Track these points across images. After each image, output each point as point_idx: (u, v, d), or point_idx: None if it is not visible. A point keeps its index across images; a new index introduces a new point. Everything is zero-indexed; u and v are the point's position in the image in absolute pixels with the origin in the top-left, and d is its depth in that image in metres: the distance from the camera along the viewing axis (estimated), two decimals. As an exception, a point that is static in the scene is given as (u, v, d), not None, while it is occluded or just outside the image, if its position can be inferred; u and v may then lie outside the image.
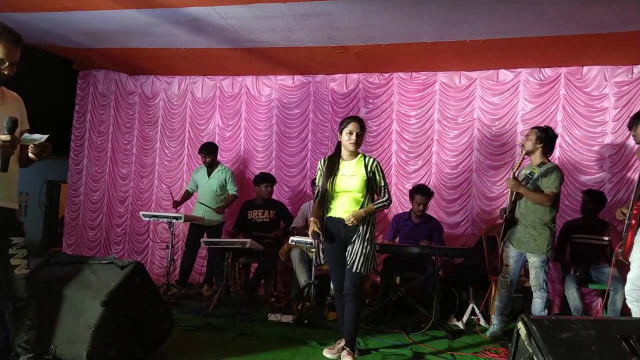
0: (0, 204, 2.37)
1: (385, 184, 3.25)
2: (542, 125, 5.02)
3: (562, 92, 5.08)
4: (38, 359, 2.45)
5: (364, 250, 3.12)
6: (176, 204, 5.43)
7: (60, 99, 6.32)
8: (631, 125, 3.32)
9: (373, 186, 3.23)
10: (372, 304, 4.63)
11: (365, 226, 3.16)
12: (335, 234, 3.21)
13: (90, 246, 6.38)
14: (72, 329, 2.68)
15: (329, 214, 3.23)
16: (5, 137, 2.11)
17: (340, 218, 3.17)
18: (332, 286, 4.46)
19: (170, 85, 6.29)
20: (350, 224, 3.10)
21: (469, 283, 4.50)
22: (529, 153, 3.85)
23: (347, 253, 3.17)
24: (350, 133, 3.18)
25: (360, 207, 3.15)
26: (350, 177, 3.19)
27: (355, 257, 3.12)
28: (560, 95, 5.09)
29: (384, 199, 3.21)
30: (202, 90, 6.19)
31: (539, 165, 3.78)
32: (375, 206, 3.20)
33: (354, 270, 3.12)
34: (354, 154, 3.27)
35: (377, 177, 3.22)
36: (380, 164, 3.28)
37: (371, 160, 3.24)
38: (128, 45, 5.16)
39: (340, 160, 3.27)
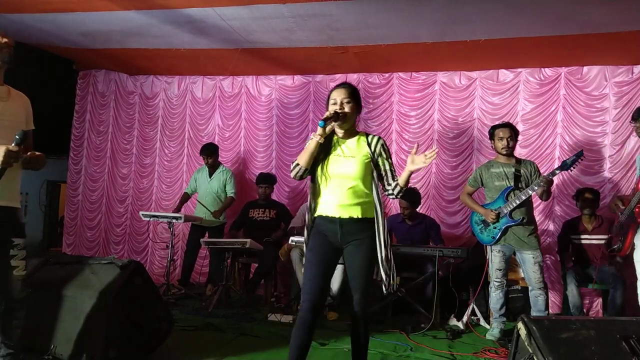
0: (4, 203, 2.36)
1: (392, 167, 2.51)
2: (540, 125, 5.10)
3: (562, 92, 5.08)
4: (17, 357, 2.43)
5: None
6: (176, 210, 5.45)
7: (60, 99, 6.32)
8: (637, 118, 3.19)
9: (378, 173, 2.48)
10: (372, 304, 4.63)
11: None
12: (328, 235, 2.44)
13: (88, 246, 6.38)
14: (72, 329, 2.68)
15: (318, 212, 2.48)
16: (13, 148, 2.13)
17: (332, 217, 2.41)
18: (332, 287, 4.47)
19: (170, 85, 6.29)
20: None
21: (469, 283, 4.50)
22: (510, 154, 3.84)
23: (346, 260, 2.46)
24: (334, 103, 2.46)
25: (360, 200, 2.41)
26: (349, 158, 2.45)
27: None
28: (561, 95, 5.09)
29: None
30: (202, 90, 6.19)
31: (518, 162, 3.82)
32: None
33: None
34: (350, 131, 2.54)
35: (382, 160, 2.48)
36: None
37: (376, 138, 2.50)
38: (128, 45, 5.16)
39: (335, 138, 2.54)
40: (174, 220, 5.00)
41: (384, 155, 2.49)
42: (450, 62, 5.22)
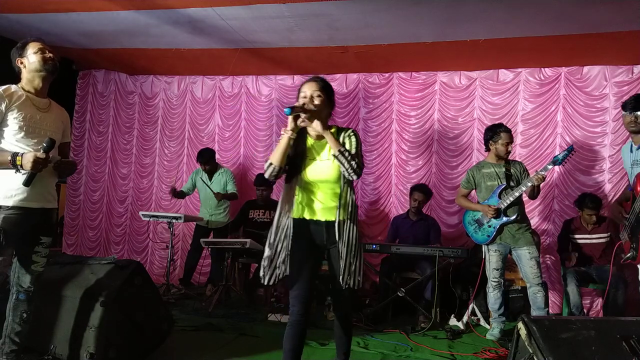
0: (39, 205, 2.46)
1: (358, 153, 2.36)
2: (540, 125, 5.10)
3: (562, 92, 5.08)
4: (19, 356, 2.49)
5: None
6: (174, 192, 5.27)
7: (59, 99, 6.28)
8: (633, 108, 2.97)
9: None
10: (372, 304, 4.63)
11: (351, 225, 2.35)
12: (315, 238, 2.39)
13: (90, 246, 6.38)
14: (71, 329, 2.68)
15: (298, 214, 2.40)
16: (41, 155, 2.26)
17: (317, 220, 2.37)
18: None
19: (170, 85, 6.29)
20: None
21: (469, 283, 4.50)
22: (507, 157, 3.91)
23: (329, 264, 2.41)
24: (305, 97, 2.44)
25: (343, 201, 2.33)
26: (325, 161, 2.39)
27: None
28: (561, 95, 5.09)
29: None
30: (202, 90, 6.19)
31: (507, 162, 3.89)
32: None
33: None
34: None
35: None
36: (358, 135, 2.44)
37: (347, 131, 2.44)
38: (128, 45, 5.16)
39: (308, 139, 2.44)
40: (174, 220, 5.00)
41: (348, 146, 2.34)
42: (450, 62, 5.22)
